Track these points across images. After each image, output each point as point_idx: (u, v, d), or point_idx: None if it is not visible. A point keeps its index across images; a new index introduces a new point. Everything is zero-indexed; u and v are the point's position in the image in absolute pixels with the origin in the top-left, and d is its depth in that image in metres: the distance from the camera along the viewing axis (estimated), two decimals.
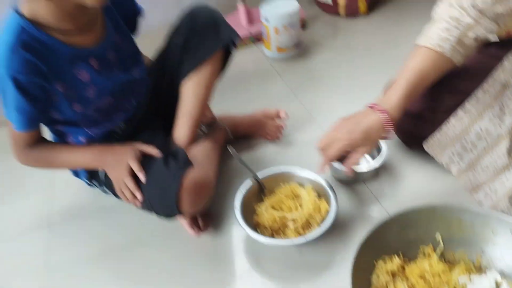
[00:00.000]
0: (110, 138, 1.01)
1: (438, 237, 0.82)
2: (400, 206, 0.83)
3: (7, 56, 0.78)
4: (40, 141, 0.94)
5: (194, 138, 1.06)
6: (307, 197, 0.96)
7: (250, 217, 0.96)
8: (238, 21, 1.67)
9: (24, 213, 1.14)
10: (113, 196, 1.01)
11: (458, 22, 0.81)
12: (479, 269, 0.79)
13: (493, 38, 0.86)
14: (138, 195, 0.90)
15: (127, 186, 0.91)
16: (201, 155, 1.03)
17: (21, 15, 0.79)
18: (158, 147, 0.96)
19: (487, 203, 0.95)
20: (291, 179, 1.02)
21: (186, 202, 0.87)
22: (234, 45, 1.08)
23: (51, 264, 1.00)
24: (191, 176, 0.88)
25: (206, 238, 0.99)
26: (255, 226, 0.95)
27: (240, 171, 1.08)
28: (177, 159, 0.91)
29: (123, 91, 0.98)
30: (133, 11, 1.02)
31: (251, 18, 1.66)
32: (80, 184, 1.10)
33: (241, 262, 0.94)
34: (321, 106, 1.34)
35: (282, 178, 1.02)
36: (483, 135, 0.92)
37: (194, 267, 0.94)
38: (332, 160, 0.88)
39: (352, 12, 1.77)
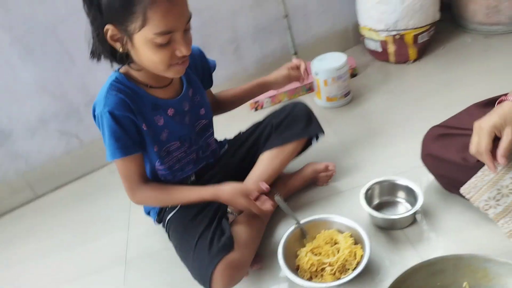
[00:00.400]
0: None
1: (465, 285, 0.86)
2: (435, 252, 0.88)
3: (104, 96, 0.97)
4: (149, 180, 1.09)
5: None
6: (344, 243, 1.05)
7: (292, 260, 1.07)
8: None
9: (104, 250, 1.36)
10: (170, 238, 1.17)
11: None
12: None
13: None
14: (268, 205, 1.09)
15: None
16: (246, 234, 1.09)
17: (117, 71, 1.02)
18: (219, 207, 1.13)
19: None
20: (331, 225, 1.11)
21: (218, 284, 0.99)
22: (317, 139, 1.31)
23: None
24: (227, 262, 0.99)
25: (252, 278, 1.10)
26: (296, 269, 1.06)
27: (287, 216, 1.20)
28: (220, 240, 1.03)
29: (190, 138, 1.15)
30: (208, 70, 1.22)
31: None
32: (151, 225, 1.29)
33: None
34: (367, 154, 1.41)
35: (323, 225, 1.12)
36: None
37: None
38: (488, 151, 0.89)
39: (402, 58, 1.84)
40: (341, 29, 2.01)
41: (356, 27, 1.96)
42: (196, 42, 1.70)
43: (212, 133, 1.24)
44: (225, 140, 1.33)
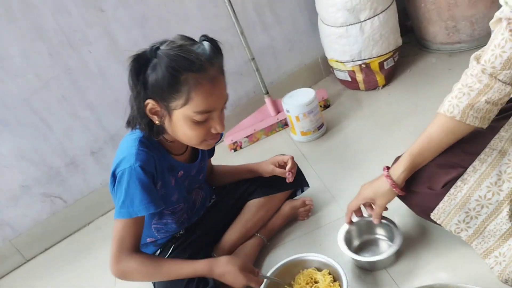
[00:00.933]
0: (169, 242, 1.19)
1: None
2: None
3: (136, 152, 0.96)
4: (139, 251, 1.04)
5: (237, 246, 1.24)
6: (323, 281, 1.06)
7: None
8: (267, 112, 1.88)
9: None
10: None
11: (471, 88, 0.92)
12: None
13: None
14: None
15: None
16: (233, 276, 1.06)
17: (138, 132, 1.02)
18: (204, 253, 1.15)
19: (497, 268, 0.97)
20: (308, 264, 1.12)
21: None
22: (302, 191, 1.41)
23: None
24: None
25: None
26: None
27: (268, 261, 1.21)
28: None
29: (189, 199, 1.19)
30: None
31: (278, 108, 1.86)
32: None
33: None
34: (342, 186, 1.44)
35: (301, 264, 1.13)
36: (484, 203, 0.96)
37: None
38: (350, 211, 1.14)
39: (371, 85, 1.89)
40: (311, 63, 2.07)
41: (325, 59, 2.02)
42: None
43: (206, 194, 1.29)
44: (212, 190, 1.35)
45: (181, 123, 0.95)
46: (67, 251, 1.70)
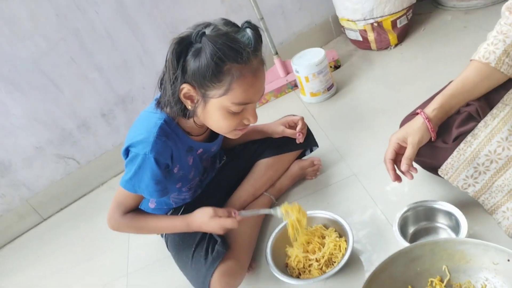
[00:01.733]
0: (177, 208, 1.22)
1: (445, 268, 0.88)
2: None
3: (153, 141, 0.94)
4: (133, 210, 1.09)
5: (246, 205, 1.26)
6: (329, 238, 1.08)
7: (282, 259, 1.11)
8: (276, 73, 1.86)
9: (107, 265, 1.42)
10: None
11: (506, 35, 0.90)
12: None
13: None
14: (237, 218, 1.03)
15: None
16: (243, 234, 1.14)
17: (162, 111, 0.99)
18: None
19: (504, 223, 0.98)
20: (315, 221, 1.14)
21: None
22: (311, 151, 1.40)
23: None
24: (223, 270, 1.03)
25: (245, 279, 1.13)
26: (286, 266, 1.09)
27: (276, 218, 1.24)
28: (214, 248, 1.06)
29: (206, 171, 1.21)
30: None
31: (287, 69, 1.84)
32: (150, 236, 1.33)
33: None
34: (351, 146, 1.44)
35: (309, 221, 1.14)
36: (494, 158, 0.96)
37: None
38: (389, 160, 0.99)
39: (383, 45, 1.85)
40: (321, 23, 2.02)
41: (336, 18, 1.97)
42: None
43: (221, 160, 1.30)
44: (223, 151, 1.36)
45: (216, 112, 0.92)
46: (82, 210, 1.76)
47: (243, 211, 1.08)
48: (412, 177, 0.97)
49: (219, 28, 0.87)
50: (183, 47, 0.86)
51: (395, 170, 0.99)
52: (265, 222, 1.28)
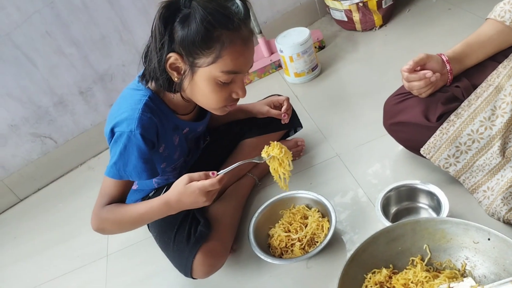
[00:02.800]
0: (159, 189, 1.18)
1: (426, 247, 0.89)
2: None
3: (138, 117, 0.90)
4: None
5: (229, 185, 1.24)
6: (311, 218, 1.08)
7: (265, 239, 1.10)
8: (260, 53, 1.82)
9: (86, 246, 1.39)
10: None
11: None
12: (465, 275, 0.85)
13: None
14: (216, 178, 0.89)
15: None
16: (226, 215, 1.12)
17: (147, 87, 0.95)
18: None
19: (485, 202, 0.99)
20: (298, 201, 1.14)
21: (198, 273, 1.02)
22: (295, 131, 1.39)
23: None
24: (206, 251, 1.01)
25: (228, 259, 1.13)
26: (268, 246, 1.09)
27: (259, 199, 1.23)
28: (197, 229, 1.03)
29: (191, 151, 1.18)
30: None
31: (271, 49, 1.81)
32: None
33: (257, 276, 1.07)
34: (335, 127, 1.43)
35: (291, 201, 1.14)
36: (476, 137, 0.97)
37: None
38: (410, 71, 1.01)
39: (368, 26, 1.83)
40: (306, 2, 1.99)
41: None
42: None
43: (205, 140, 1.27)
44: (207, 131, 1.33)
45: (203, 83, 0.89)
46: (60, 190, 1.71)
47: (222, 170, 0.92)
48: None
49: None
50: (171, 12, 0.83)
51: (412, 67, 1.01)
52: (248, 203, 1.27)
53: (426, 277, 0.84)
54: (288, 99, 1.25)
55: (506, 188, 0.95)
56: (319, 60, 1.75)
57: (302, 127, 1.37)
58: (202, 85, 0.90)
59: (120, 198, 0.98)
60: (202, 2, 0.82)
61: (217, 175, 0.89)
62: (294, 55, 1.62)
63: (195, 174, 0.89)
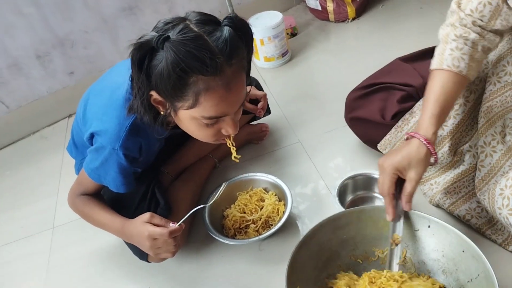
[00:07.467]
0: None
1: (369, 235, 0.88)
2: None
3: (124, 138, 0.87)
4: (93, 195, 1.00)
5: (188, 164, 1.22)
6: (268, 200, 1.07)
7: (220, 221, 1.09)
8: None
9: (30, 217, 1.33)
10: None
11: (466, 39, 0.83)
12: (405, 262, 0.86)
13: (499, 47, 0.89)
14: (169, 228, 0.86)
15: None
16: (185, 199, 1.10)
17: None
18: (153, 177, 1.08)
19: (429, 193, 1.02)
20: (256, 184, 1.13)
21: (154, 259, 1.00)
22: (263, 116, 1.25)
23: (53, 263, 1.16)
24: None
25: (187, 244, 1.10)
26: (222, 227, 1.07)
27: (217, 180, 1.21)
28: (156, 212, 0.99)
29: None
30: None
31: None
32: None
33: (209, 257, 1.06)
34: (299, 114, 1.42)
35: (249, 183, 1.13)
36: None
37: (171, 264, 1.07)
38: (390, 194, 0.82)
39: (341, 17, 1.83)
40: None
41: None
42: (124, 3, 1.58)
43: None
44: None
45: (188, 122, 0.83)
46: (9, 158, 1.62)
47: (182, 220, 0.88)
48: (410, 209, 0.82)
49: (189, 29, 0.74)
50: (144, 53, 0.74)
51: (395, 207, 0.82)
52: (206, 182, 1.24)
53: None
54: (265, 95, 1.20)
55: (451, 183, 0.98)
56: (290, 47, 1.73)
57: (270, 113, 1.33)
58: (187, 124, 0.84)
59: (95, 193, 1.00)
60: (176, 43, 0.72)
61: (178, 224, 0.86)
62: (265, 39, 1.60)
63: (157, 217, 0.87)
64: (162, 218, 0.87)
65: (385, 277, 0.81)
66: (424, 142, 0.81)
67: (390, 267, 0.84)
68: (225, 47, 0.73)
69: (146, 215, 0.87)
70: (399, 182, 0.83)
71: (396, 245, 0.82)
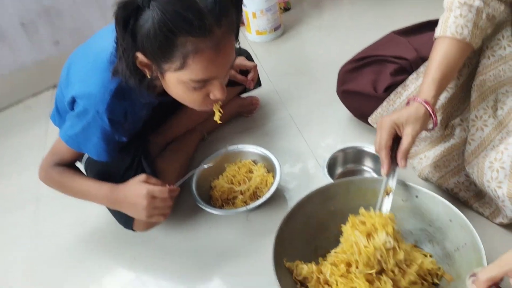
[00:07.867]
0: None
1: (357, 206, 0.84)
2: None
3: (108, 101, 0.84)
4: (67, 165, 0.96)
5: (177, 135, 1.19)
6: (256, 172, 1.06)
7: (208, 191, 1.07)
8: None
9: (12, 188, 1.30)
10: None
11: (470, 6, 0.83)
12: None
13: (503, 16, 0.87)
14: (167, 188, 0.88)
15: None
16: (171, 171, 1.08)
17: None
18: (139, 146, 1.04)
19: (418, 167, 1.01)
20: (246, 156, 1.11)
21: (140, 226, 1.00)
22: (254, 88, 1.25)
23: (37, 235, 1.14)
24: None
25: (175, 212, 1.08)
26: (210, 198, 1.06)
27: (205, 152, 1.20)
28: None
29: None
30: None
31: None
32: None
33: (197, 227, 1.04)
34: (290, 89, 1.41)
35: (238, 155, 1.11)
36: None
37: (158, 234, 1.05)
38: (386, 148, 0.81)
39: None
40: None
41: None
42: None
43: None
44: None
45: (175, 86, 0.80)
46: None
47: (178, 182, 0.92)
48: (405, 165, 0.81)
49: None
50: (129, 13, 0.71)
51: (391, 162, 0.82)
52: (195, 154, 1.23)
53: None
54: (255, 66, 1.18)
55: (441, 157, 0.97)
56: (283, 21, 1.70)
57: (261, 85, 1.31)
58: (173, 87, 0.81)
59: (71, 163, 0.96)
60: (163, 2, 0.69)
61: (176, 185, 0.86)
62: (258, 12, 1.57)
63: (154, 178, 0.88)
64: (158, 179, 0.88)
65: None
66: (424, 103, 0.81)
67: None
68: (214, 7, 0.71)
69: (142, 176, 0.88)
70: (396, 142, 0.83)
71: (388, 194, 0.81)
